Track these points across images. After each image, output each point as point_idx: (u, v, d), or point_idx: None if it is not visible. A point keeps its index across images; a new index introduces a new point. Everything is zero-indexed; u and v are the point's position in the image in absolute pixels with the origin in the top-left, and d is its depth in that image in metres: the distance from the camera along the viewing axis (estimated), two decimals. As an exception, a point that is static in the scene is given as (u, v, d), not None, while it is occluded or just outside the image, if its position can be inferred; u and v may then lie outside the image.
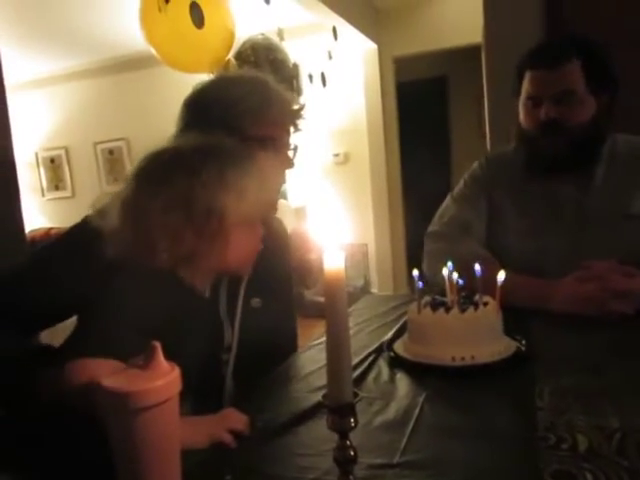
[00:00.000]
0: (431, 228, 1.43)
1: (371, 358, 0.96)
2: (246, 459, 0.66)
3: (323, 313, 0.50)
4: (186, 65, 2.84)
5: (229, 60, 2.97)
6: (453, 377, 0.85)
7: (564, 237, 1.27)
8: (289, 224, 1.23)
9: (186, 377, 0.53)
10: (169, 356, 0.52)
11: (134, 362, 0.52)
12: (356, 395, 0.51)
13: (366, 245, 4.49)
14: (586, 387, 0.76)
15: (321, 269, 0.49)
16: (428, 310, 0.92)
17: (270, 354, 1.00)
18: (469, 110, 4.99)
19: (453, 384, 0.83)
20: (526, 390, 0.77)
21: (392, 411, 0.75)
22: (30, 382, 0.74)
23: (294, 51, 3.82)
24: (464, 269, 0.96)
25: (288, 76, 3.60)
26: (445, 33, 4.08)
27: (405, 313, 1.08)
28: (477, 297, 0.92)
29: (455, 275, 0.94)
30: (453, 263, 0.98)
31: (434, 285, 1.16)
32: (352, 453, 0.51)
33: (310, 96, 3.93)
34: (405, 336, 1.00)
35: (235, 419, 0.73)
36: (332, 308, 0.50)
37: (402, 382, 0.86)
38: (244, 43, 3.61)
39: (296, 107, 1.10)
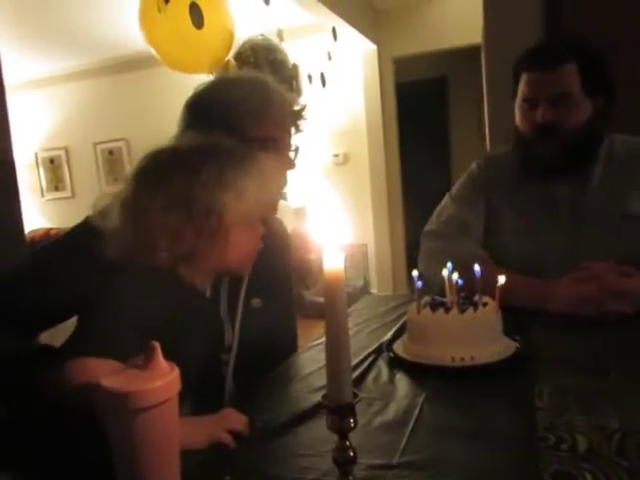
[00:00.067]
0: (428, 227, 1.43)
1: (371, 358, 0.96)
2: (245, 459, 0.66)
3: (323, 313, 0.50)
4: (186, 65, 2.84)
5: (229, 61, 2.97)
6: (452, 377, 0.85)
7: (561, 238, 1.27)
8: (289, 224, 1.23)
9: (186, 377, 0.53)
10: (169, 356, 0.52)
11: (133, 362, 0.52)
12: (355, 395, 0.51)
13: (366, 245, 4.49)
14: (586, 387, 0.76)
15: (321, 269, 0.49)
16: (427, 310, 0.92)
17: (270, 354, 1.00)
18: (469, 111, 5.00)
19: (452, 384, 0.83)
20: (525, 390, 0.77)
21: (392, 411, 0.75)
22: (31, 382, 0.74)
23: (294, 52, 3.82)
24: (462, 269, 0.97)
25: (288, 77, 3.60)
26: (445, 33, 4.08)
27: (404, 313, 1.08)
28: (476, 297, 0.92)
29: (455, 275, 0.94)
30: (451, 263, 0.98)
31: (432, 285, 1.16)
32: (351, 454, 0.51)
33: (310, 97, 3.93)
34: (405, 336, 1.00)
35: (234, 419, 0.73)
36: (332, 308, 0.50)
37: (401, 382, 0.86)
38: (244, 44, 3.61)
39: (297, 108, 1.10)
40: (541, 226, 1.31)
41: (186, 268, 0.84)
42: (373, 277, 4.52)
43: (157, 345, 0.51)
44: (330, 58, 3.64)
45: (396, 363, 0.93)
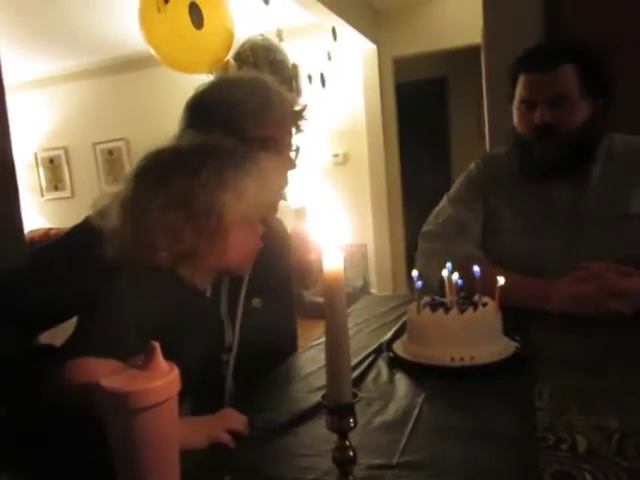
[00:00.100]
0: (425, 228, 1.43)
1: (370, 358, 0.96)
2: (245, 459, 0.66)
3: (323, 314, 0.50)
4: (185, 65, 2.84)
5: (228, 61, 2.97)
6: (452, 377, 0.85)
7: (560, 238, 1.27)
8: (289, 224, 1.23)
9: (185, 377, 0.53)
10: (169, 356, 0.52)
11: (133, 362, 0.52)
12: (355, 395, 0.51)
13: (365, 245, 4.49)
14: (585, 387, 0.76)
15: (320, 270, 0.49)
16: (427, 310, 0.92)
17: (270, 354, 1.00)
18: (469, 111, 5.00)
19: (452, 384, 0.83)
20: (525, 390, 0.77)
21: (391, 411, 0.75)
22: (31, 382, 0.74)
23: (293, 52, 3.82)
24: (459, 270, 0.97)
25: (287, 77, 3.60)
26: (444, 33, 4.09)
27: (404, 313, 1.08)
28: (476, 298, 0.92)
29: (455, 276, 0.94)
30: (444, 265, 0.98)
31: (430, 285, 1.16)
32: (351, 453, 0.51)
33: (309, 97, 3.93)
34: (404, 336, 1.00)
35: (234, 419, 0.73)
36: (331, 308, 0.50)
37: (401, 382, 0.86)
38: (243, 44, 3.61)
39: (298, 108, 1.10)
40: (540, 226, 1.30)
41: (186, 268, 0.84)
42: (373, 277, 4.52)
43: (157, 345, 0.51)
44: (330, 58, 3.64)
45: (396, 363, 0.93)
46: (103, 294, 0.76)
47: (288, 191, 3.94)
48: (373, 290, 4.48)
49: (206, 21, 2.66)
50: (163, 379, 0.49)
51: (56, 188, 5.55)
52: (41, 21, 3.82)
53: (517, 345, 0.93)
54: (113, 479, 0.50)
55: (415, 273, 0.99)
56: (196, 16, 2.61)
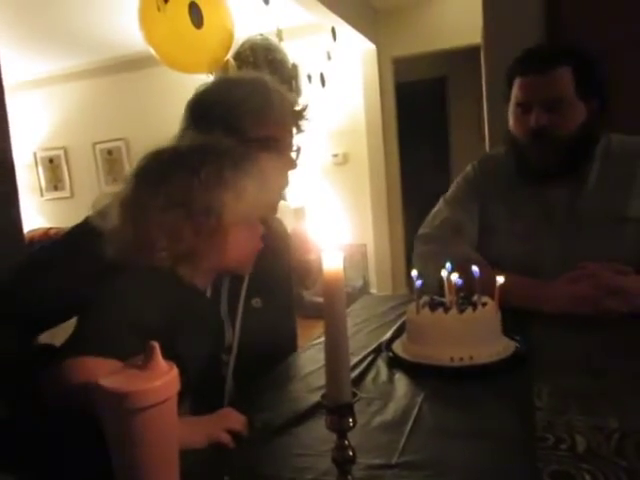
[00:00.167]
0: (422, 231, 1.42)
1: (370, 358, 0.96)
2: (244, 459, 0.66)
3: (322, 314, 0.50)
4: (185, 65, 2.84)
5: (228, 60, 2.97)
6: (451, 377, 0.85)
7: (557, 240, 1.27)
8: (288, 224, 1.23)
9: (185, 377, 0.53)
10: (168, 356, 0.52)
11: (133, 362, 0.52)
12: (355, 395, 0.51)
13: (365, 245, 4.49)
14: (585, 387, 0.76)
15: (320, 270, 0.49)
16: (427, 310, 0.92)
17: (270, 354, 1.00)
18: (468, 111, 5.00)
19: (451, 384, 0.83)
20: (524, 390, 0.77)
21: (390, 411, 0.75)
22: (32, 382, 0.74)
23: (293, 52, 3.82)
24: (458, 270, 0.96)
25: (287, 76, 3.60)
26: (444, 34, 4.09)
27: (404, 313, 1.08)
28: (475, 297, 0.92)
29: (454, 276, 0.94)
30: (444, 266, 0.98)
31: (428, 287, 1.15)
32: (350, 453, 0.51)
33: (309, 96, 3.92)
34: (404, 336, 1.00)
35: (233, 419, 0.73)
36: (330, 308, 0.50)
37: (401, 382, 0.86)
38: (243, 43, 3.61)
39: (298, 108, 1.10)
40: (537, 228, 1.30)
41: (186, 268, 0.84)
42: (372, 277, 4.52)
43: (156, 345, 0.51)
44: (329, 58, 3.64)
45: (395, 363, 0.93)
46: (103, 294, 0.77)
47: (288, 191, 3.95)
48: (373, 290, 4.48)
49: (206, 21, 2.66)
50: (162, 379, 0.49)
51: (55, 188, 5.55)
52: (40, 21, 3.82)
53: (516, 345, 0.93)
54: (112, 479, 0.50)
55: (414, 273, 0.99)
56: (196, 16, 2.61)
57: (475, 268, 0.94)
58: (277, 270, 1.10)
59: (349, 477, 0.52)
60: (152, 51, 2.74)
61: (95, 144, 5.28)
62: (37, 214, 5.54)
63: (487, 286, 0.92)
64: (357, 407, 0.52)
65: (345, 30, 3.71)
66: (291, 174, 1.10)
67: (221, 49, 2.84)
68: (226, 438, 0.69)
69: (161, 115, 3.98)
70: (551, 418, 0.67)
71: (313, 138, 4.22)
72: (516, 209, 1.34)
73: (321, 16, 3.42)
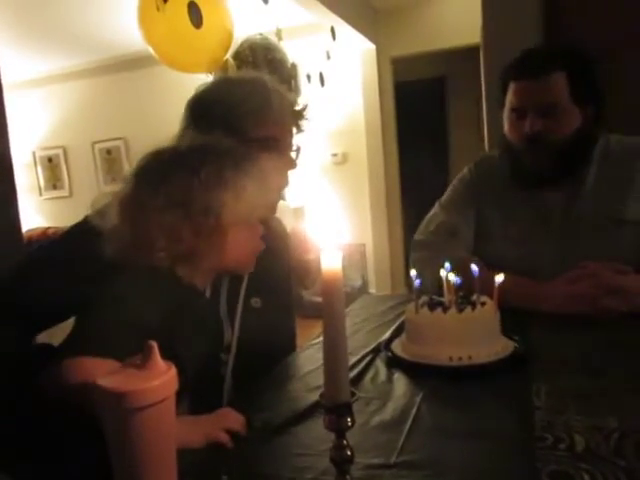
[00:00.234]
0: (417, 236, 1.42)
1: (369, 358, 0.96)
2: (243, 459, 0.66)
3: (321, 313, 0.50)
4: (184, 65, 2.84)
5: (227, 60, 2.96)
6: (450, 377, 0.85)
7: (553, 244, 1.26)
8: (287, 224, 1.23)
9: (183, 377, 0.52)
10: (167, 355, 0.52)
11: (131, 361, 0.52)
12: (353, 395, 0.51)
13: (364, 245, 4.49)
14: (584, 387, 0.77)
15: (319, 269, 0.49)
16: (426, 310, 0.92)
17: (269, 354, 1.00)
18: (467, 111, 5.00)
19: (450, 384, 0.83)
20: (523, 390, 0.77)
21: (389, 411, 0.75)
22: (32, 382, 0.74)
23: (292, 51, 3.81)
24: (457, 271, 0.96)
25: (286, 76, 3.59)
26: (443, 33, 4.09)
27: (403, 313, 1.08)
28: (474, 297, 0.92)
29: (452, 276, 0.94)
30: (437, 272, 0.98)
31: (427, 288, 1.15)
32: (349, 453, 0.51)
33: (308, 96, 3.92)
34: (403, 336, 1.00)
35: (232, 419, 0.73)
36: (329, 308, 0.50)
37: (399, 382, 0.86)
38: (242, 43, 3.60)
39: (298, 108, 1.10)
40: (533, 232, 1.29)
41: (185, 268, 0.83)
42: (371, 277, 4.52)
43: (154, 344, 0.51)
44: (329, 57, 3.64)
45: (394, 362, 0.93)
46: (101, 293, 0.76)
47: (287, 191, 3.95)
48: (372, 290, 4.48)
49: (205, 20, 2.66)
50: (160, 378, 0.49)
51: (54, 187, 5.54)
52: (39, 20, 3.81)
53: (515, 345, 0.93)
54: (111, 478, 0.50)
55: (413, 273, 0.99)
56: (195, 15, 2.61)
57: (474, 267, 0.94)
58: (276, 270, 1.10)
59: (347, 477, 0.52)
60: (151, 51, 2.74)
61: (94, 143, 5.28)
62: (36, 213, 5.54)
63: (486, 285, 0.92)
64: (356, 407, 0.52)
65: (344, 30, 3.71)
66: (291, 174, 1.10)
67: (220, 49, 2.83)
68: (224, 438, 0.69)
69: (160, 115, 3.98)
70: (550, 418, 0.68)
71: (312, 138, 4.21)
72: (511, 213, 1.33)
73: (320, 16, 3.42)
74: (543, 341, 0.97)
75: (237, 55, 3.44)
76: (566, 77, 1.20)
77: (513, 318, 0.99)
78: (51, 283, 0.87)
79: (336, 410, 0.50)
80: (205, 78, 2.36)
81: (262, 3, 2.60)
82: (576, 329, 1.02)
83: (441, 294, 0.97)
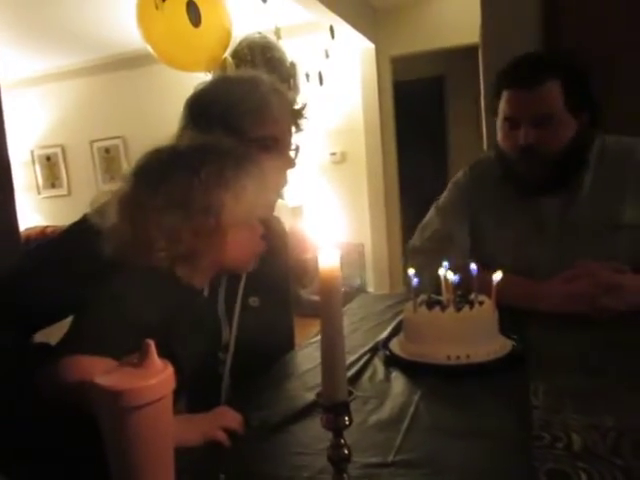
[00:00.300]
0: (413, 243, 1.42)
1: (366, 357, 0.96)
2: (240, 457, 0.66)
3: (319, 312, 0.50)
4: (183, 63, 2.84)
5: (226, 59, 2.96)
6: (448, 376, 0.85)
7: (549, 249, 1.25)
8: (286, 223, 1.23)
9: (181, 375, 0.52)
10: (165, 354, 0.52)
11: (128, 360, 0.52)
12: (351, 394, 0.51)
13: (362, 245, 4.49)
14: (581, 386, 0.77)
15: (317, 268, 0.49)
16: (424, 309, 0.93)
17: (267, 353, 1.00)
18: (466, 110, 5.00)
19: (448, 383, 0.83)
20: (521, 389, 0.77)
21: (387, 410, 0.75)
22: (30, 381, 0.74)
23: (291, 50, 3.81)
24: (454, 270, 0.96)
25: (285, 75, 3.59)
26: (443, 33, 4.08)
27: (401, 312, 1.08)
28: (473, 296, 0.92)
29: (450, 274, 0.94)
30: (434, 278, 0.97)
31: (426, 288, 1.15)
32: (346, 452, 0.51)
33: (307, 95, 3.92)
34: (401, 335, 1.00)
35: (229, 417, 0.73)
36: (327, 307, 0.50)
37: (397, 381, 0.86)
38: (241, 42, 3.60)
39: (298, 107, 1.10)
40: (528, 237, 1.28)
41: (184, 268, 0.83)
42: (370, 276, 4.52)
43: (151, 343, 0.51)
44: (328, 56, 3.63)
45: (392, 361, 0.93)
46: (99, 293, 0.76)
47: (285, 190, 3.95)
48: (370, 289, 4.48)
49: (204, 19, 2.65)
50: (158, 377, 0.49)
51: (53, 186, 5.53)
52: (38, 19, 3.81)
53: (513, 344, 0.93)
54: (108, 477, 0.50)
55: (412, 272, 0.99)
56: (193, 14, 2.61)
57: (473, 266, 0.94)
58: (274, 269, 1.10)
59: (345, 475, 0.52)
60: (150, 49, 2.74)
61: (92, 142, 5.27)
62: (34, 212, 5.53)
63: (484, 284, 0.92)
64: (353, 405, 0.52)
65: (343, 29, 3.71)
66: (289, 173, 1.10)
67: (219, 47, 2.83)
68: (222, 436, 0.69)
69: (159, 113, 3.97)
70: (547, 417, 0.68)
71: (311, 137, 4.21)
72: (507, 218, 1.31)
73: (319, 14, 3.41)
74: (541, 340, 0.97)
75: (236, 54, 3.43)
76: (560, 85, 1.18)
77: (511, 317, 0.99)
78: (49, 282, 0.87)
79: (334, 409, 0.50)
80: (204, 77, 2.35)
81: (261, 2, 2.60)
82: (574, 328, 1.03)
83: (439, 293, 0.97)
